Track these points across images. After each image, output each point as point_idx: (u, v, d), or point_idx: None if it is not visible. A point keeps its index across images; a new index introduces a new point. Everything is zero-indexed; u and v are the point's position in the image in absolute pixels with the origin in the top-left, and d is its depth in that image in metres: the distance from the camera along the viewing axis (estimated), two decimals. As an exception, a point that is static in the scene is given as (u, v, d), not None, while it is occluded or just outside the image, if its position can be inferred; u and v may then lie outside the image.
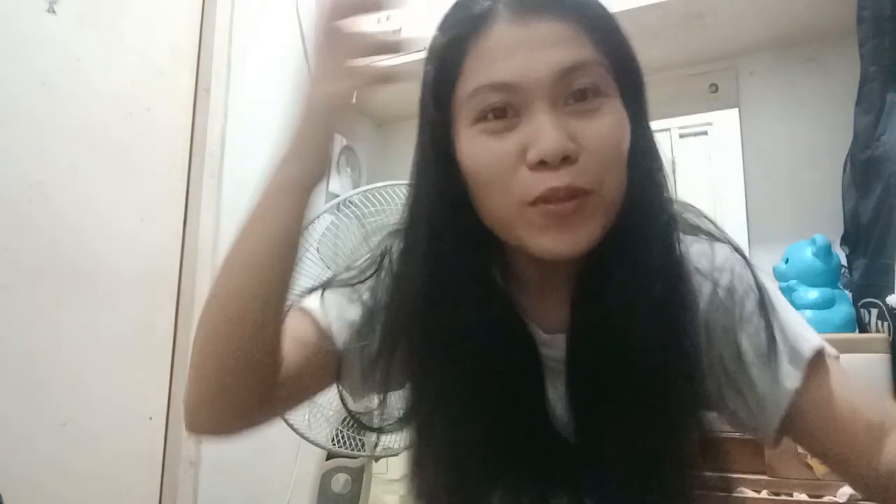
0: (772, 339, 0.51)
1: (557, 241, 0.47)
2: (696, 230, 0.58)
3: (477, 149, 0.48)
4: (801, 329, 0.52)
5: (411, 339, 0.54)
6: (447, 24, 0.52)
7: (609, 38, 0.50)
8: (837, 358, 0.52)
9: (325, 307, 0.58)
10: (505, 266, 0.56)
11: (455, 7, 0.53)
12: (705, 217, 0.59)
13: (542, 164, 0.45)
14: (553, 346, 0.55)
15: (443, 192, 0.51)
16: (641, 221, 0.51)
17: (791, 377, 0.50)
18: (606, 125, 0.47)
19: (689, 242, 0.56)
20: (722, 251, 0.56)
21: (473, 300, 0.51)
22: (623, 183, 0.49)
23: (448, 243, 0.51)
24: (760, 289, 0.53)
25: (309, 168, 0.53)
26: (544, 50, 0.46)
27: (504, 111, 0.47)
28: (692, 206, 0.59)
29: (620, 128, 0.48)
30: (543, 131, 0.45)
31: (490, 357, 0.51)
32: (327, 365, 0.57)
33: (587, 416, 0.52)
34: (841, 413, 0.49)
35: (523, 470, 0.52)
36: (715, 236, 0.58)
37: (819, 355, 0.51)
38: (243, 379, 0.49)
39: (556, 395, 0.55)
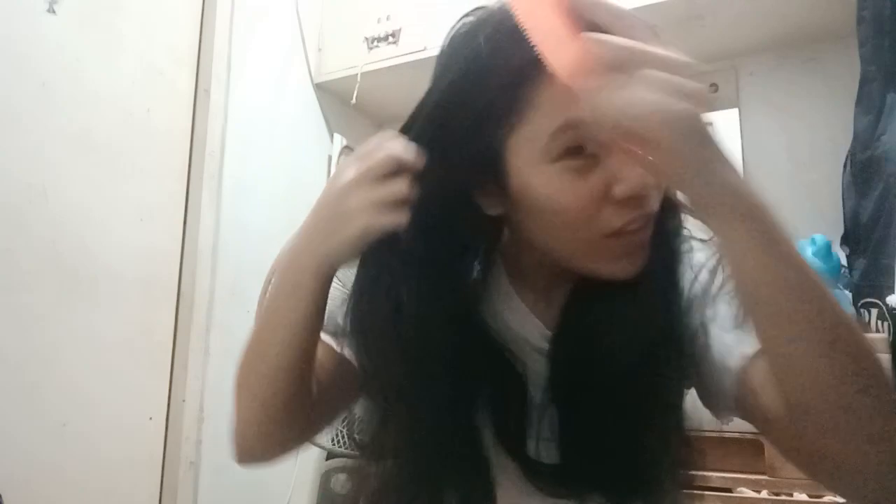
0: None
1: (630, 266, 0.49)
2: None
3: (562, 186, 0.47)
4: None
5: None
6: (487, 66, 0.48)
7: None
8: None
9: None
10: (512, 264, 0.58)
11: (490, 54, 0.48)
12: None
13: (629, 199, 0.46)
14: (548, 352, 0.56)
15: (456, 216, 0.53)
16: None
17: (748, 344, 0.50)
18: None
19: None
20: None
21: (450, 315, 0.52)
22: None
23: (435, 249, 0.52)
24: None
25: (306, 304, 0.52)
26: None
27: (580, 150, 0.47)
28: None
29: None
30: (627, 167, 0.45)
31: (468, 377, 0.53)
32: (352, 380, 0.59)
33: (566, 413, 0.53)
34: None
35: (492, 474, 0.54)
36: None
37: None
38: (285, 414, 0.53)
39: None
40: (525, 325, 0.58)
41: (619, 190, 0.46)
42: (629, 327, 0.51)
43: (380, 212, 0.47)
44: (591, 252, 0.49)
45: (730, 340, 0.51)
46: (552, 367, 0.54)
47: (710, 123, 0.38)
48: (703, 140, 0.38)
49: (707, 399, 0.55)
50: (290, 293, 0.52)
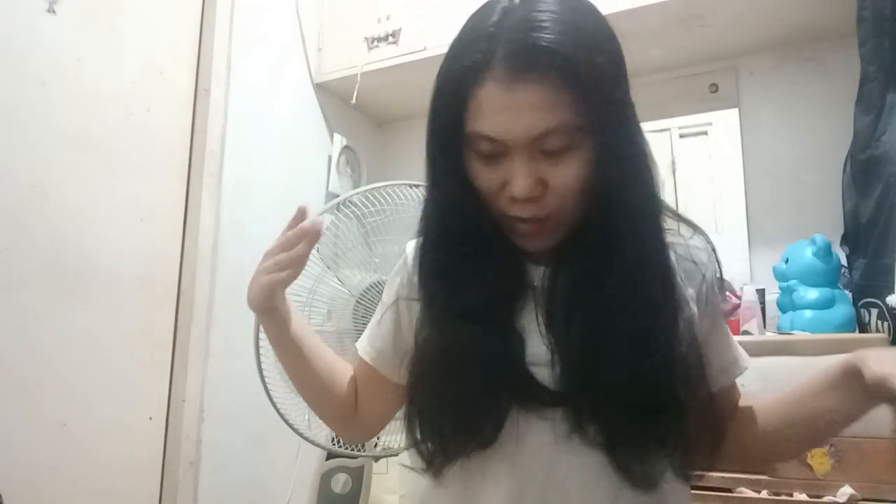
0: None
1: (526, 244, 0.62)
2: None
3: (475, 170, 0.60)
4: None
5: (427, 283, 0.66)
6: (452, 67, 0.59)
7: (590, 86, 0.55)
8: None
9: (367, 343, 0.76)
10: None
11: (458, 50, 0.59)
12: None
13: (513, 199, 0.58)
14: (543, 276, 0.64)
15: (454, 182, 0.62)
16: (617, 206, 0.59)
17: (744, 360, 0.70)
18: (573, 170, 0.57)
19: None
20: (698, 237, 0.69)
21: (478, 238, 0.62)
22: (586, 200, 0.59)
23: (457, 201, 0.62)
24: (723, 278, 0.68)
25: (269, 331, 0.76)
26: (522, 115, 0.55)
27: (493, 153, 0.59)
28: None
29: (584, 169, 0.57)
30: (517, 176, 0.57)
31: (487, 283, 0.61)
32: (388, 388, 0.73)
33: (562, 339, 0.59)
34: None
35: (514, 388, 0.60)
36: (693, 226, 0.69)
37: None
38: (325, 408, 0.79)
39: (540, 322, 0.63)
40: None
41: (507, 191, 0.58)
42: (623, 264, 0.58)
43: (272, 273, 0.68)
44: (503, 223, 0.61)
45: (727, 356, 0.69)
46: (547, 290, 0.62)
47: None
48: None
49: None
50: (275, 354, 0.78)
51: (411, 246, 0.72)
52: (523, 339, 0.60)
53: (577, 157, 0.57)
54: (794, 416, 0.65)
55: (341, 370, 0.77)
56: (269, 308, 0.71)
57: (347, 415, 0.77)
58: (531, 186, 0.56)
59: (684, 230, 0.67)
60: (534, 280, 0.64)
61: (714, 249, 0.69)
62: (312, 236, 0.67)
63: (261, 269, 0.70)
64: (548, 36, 0.54)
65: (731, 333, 0.72)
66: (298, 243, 0.67)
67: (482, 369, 0.59)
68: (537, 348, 0.60)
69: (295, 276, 0.69)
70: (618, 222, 0.59)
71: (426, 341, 0.63)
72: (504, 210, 0.60)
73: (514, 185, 0.57)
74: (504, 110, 0.55)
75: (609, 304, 0.57)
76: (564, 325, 0.59)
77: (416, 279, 0.67)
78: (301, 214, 0.70)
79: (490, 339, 0.60)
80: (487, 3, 0.59)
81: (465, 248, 0.62)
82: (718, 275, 0.68)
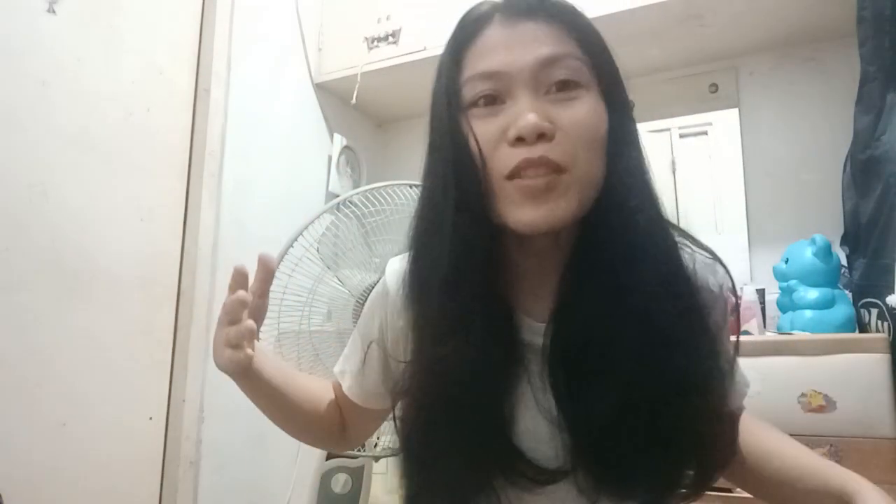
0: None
1: (533, 214, 0.51)
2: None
3: (473, 131, 0.53)
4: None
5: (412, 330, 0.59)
6: (454, 31, 0.58)
7: (589, 39, 0.55)
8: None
9: (355, 385, 0.71)
10: (500, 260, 0.58)
11: (461, 18, 0.58)
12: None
13: (519, 141, 0.51)
14: (544, 334, 0.57)
15: (452, 178, 0.55)
16: (623, 212, 0.53)
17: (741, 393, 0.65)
18: (583, 111, 0.52)
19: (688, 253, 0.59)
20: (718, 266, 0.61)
21: (470, 295, 0.54)
22: (598, 168, 0.53)
23: (453, 234, 0.54)
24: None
25: (244, 388, 0.67)
26: (528, 45, 0.52)
27: (493, 98, 0.53)
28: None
29: (596, 115, 0.53)
30: (522, 112, 0.51)
31: (476, 348, 0.54)
32: (378, 412, 0.72)
33: (566, 399, 0.53)
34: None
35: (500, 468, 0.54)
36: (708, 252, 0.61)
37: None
38: (311, 437, 0.77)
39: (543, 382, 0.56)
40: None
41: (511, 132, 0.51)
42: (622, 306, 0.52)
43: (230, 351, 0.58)
44: (501, 197, 0.52)
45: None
46: (550, 348, 0.55)
47: None
48: None
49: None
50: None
51: (393, 273, 0.65)
52: (514, 414, 0.54)
53: (587, 101, 0.52)
54: (783, 481, 0.62)
55: (320, 395, 0.72)
56: (243, 373, 0.62)
57: (335, 433, 0.74)
58: (539, 118, 0.50)
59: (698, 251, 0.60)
60: (529, 337, 0.56)
61: (728, 274, 0.61)
62: (246, 304, 0.58)
63: (218, 338, 0.60)
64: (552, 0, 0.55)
65: (736, 358, 0.65)
66: (240, 313, 0.58)
67: (468, 447, 0.53)
68: (532, 423, 0.54)
69: (254, 335, 0.60)
70: (627, 230, 0.53)
71: (413, 397, 0.57)
72: (506, 165, 0.51)
73: (519, 120, 0.50)
74: (507, 43, 0.53)
75: (636, 369, 0.50)
76: (578, 396, 0.52)
77: (400, 308, 0.61)
78: (238, 275, 0.59)
79: (476, 415, 0.53)
80: None
81: (458, 289, 0.54)
82: (733, 306, 0.63)
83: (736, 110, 1.70)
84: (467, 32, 0.56)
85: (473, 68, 0.54)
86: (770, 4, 1.48)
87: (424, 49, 1.74)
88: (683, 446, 0.53)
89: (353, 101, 1.89)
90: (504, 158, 0.51)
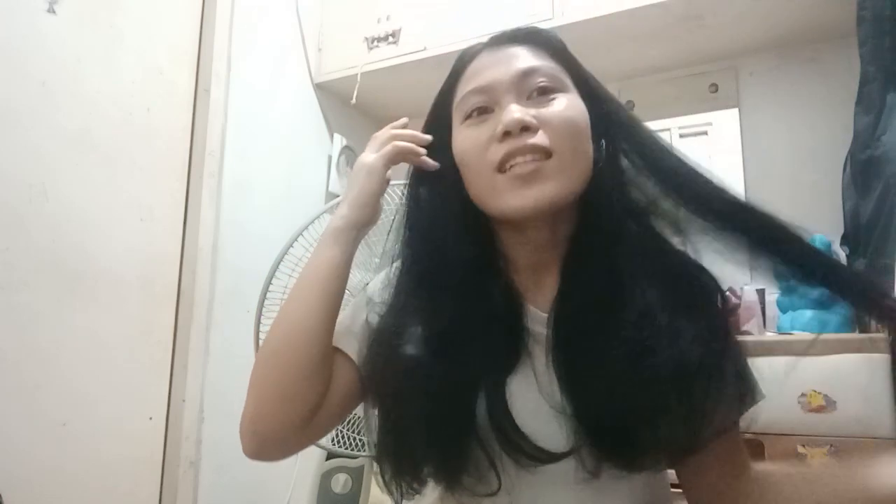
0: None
1: (523, 197, 0.56)
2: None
3: (462, 138, 0.61)
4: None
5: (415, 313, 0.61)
6: (452, 67, 0.66)
7: (563, 56, 0.64)
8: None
9: (338, 332, 0.67)
10: (503, 254, 0.64)
11: (457, 58, 0.67)
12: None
13: (507, 135, 0.57)
14: (546, 323, 0.60)
15: (445, 187, 0.63)
16: (615, 206, 0.59)
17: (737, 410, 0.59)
18: (563, 105, 0.59)
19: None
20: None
21: (475, 279, 0.59)
22: (584, 156, 0.59)
23: (450, 231, 0.61)
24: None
25: (360, 212, 0.67)
26: (510, 61, 0.61)
27: (484, 109, 0.61)
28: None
29: (575, 108, 0.59)
30: (507, 110, 0.58)
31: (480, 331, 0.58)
32: (352, 381, 0.65)
33: (568, 383, 0.56)
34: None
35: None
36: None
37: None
38: (301, 388, 0.60)
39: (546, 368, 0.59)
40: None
41: (498, 128, 0.57)
42: (619, 293, 0.56)
43: (400, 144, 0.65)
44: (493, 190, 0.58)
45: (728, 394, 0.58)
46: (553, 336, 0.58)
47: None
48: None
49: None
50: (325, 243, 0.65)
51: (375, 283, 0.68)
52: (517, 397, 0.56)
53: (566, 98, 0.59)
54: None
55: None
56: (382, 179, 0.67)
57: (307, 416, 0.62)
58: (521, 113, 0.56)
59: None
60: (532, 325, 0.60)
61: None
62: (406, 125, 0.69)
63: (380, 135, 0.68)
64: (528, 30, 0.65)
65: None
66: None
67: (470, 426, 0.55)
68: (535, 405, 0.56)
69: (413, 152, 0.66)
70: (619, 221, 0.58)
71: (415, 381, 0.57)
72: (495, 158, 0.57)
73: (504, 117, 0.57)
74: (490, 65, 0.62)
75: (641, 354, 0.53)
76: (582, 380, 0.55)
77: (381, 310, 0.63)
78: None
79: (479, 396, 0.56)
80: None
81: (454, 278, 0.58)
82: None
83: (736, 110, 1.70)
84: (461, 64, 0.65)
85: (465, 88, 0.62)
86: (770, 4, 1.48)
87: (424, 49, 1.74)
88: (683, 421, 0.54)
89: (353, 101, 1.89)
90: (493, 153, 0.58)
